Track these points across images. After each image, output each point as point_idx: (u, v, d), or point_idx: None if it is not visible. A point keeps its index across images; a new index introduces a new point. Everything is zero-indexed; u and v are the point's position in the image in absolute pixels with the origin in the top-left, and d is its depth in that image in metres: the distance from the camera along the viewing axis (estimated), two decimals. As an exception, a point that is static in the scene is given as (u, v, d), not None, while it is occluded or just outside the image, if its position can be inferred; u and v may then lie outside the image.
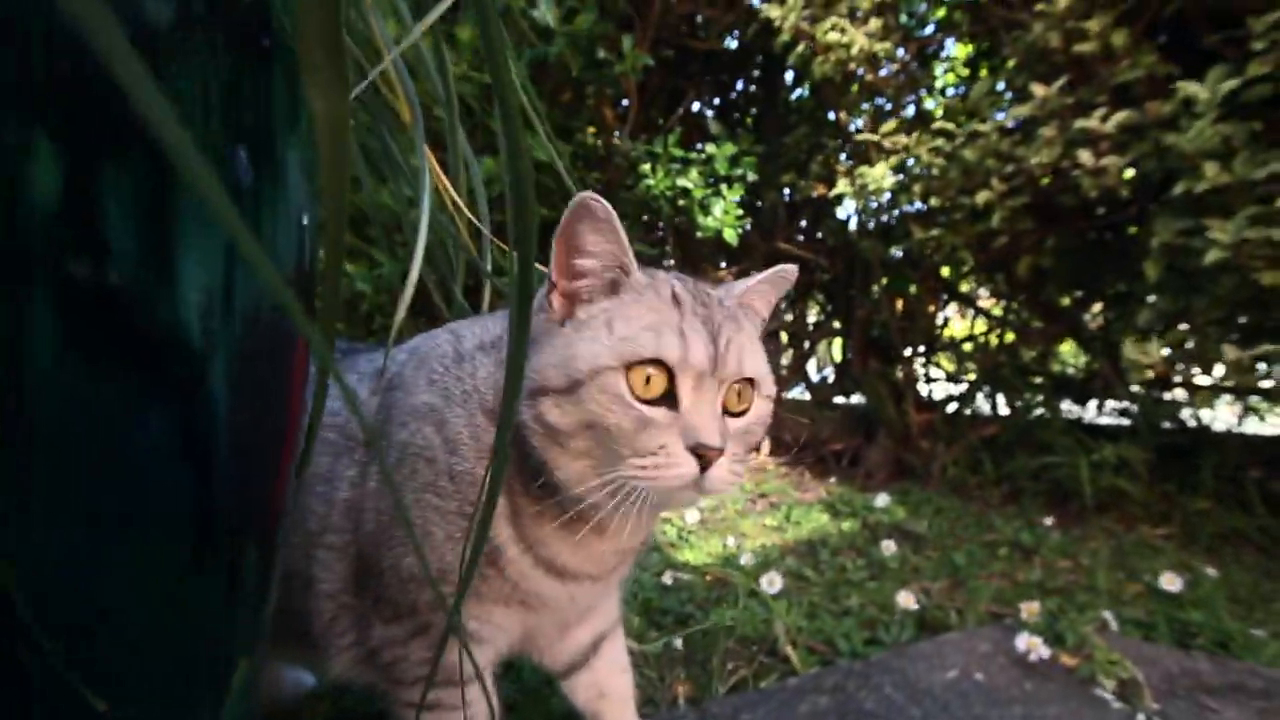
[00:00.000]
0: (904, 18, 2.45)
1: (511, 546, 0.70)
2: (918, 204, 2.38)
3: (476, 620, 0.73)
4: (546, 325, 0.66)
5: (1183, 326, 1.86)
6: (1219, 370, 1.91)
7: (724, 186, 2.26)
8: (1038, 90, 1.87)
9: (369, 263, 2.18)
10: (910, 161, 2.14)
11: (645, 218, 2.66)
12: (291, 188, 0.35)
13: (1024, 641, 1.17)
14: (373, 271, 2.13)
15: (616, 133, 2.42)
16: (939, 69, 2.72)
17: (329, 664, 0.75)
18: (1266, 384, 1.79)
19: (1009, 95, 2.33)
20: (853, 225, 2.83)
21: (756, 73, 3.01)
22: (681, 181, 2.20)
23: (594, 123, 2.49)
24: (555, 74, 2.36)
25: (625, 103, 2.53)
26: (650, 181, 2.24)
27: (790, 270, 0.74)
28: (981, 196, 1.97)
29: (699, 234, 2.25)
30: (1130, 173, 1.85)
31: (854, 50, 2.15)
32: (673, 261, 2.82)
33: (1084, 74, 1.89)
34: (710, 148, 2.28)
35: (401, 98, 0.81)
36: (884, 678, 1.12)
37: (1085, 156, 1.79)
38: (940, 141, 2.08)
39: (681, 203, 2.24)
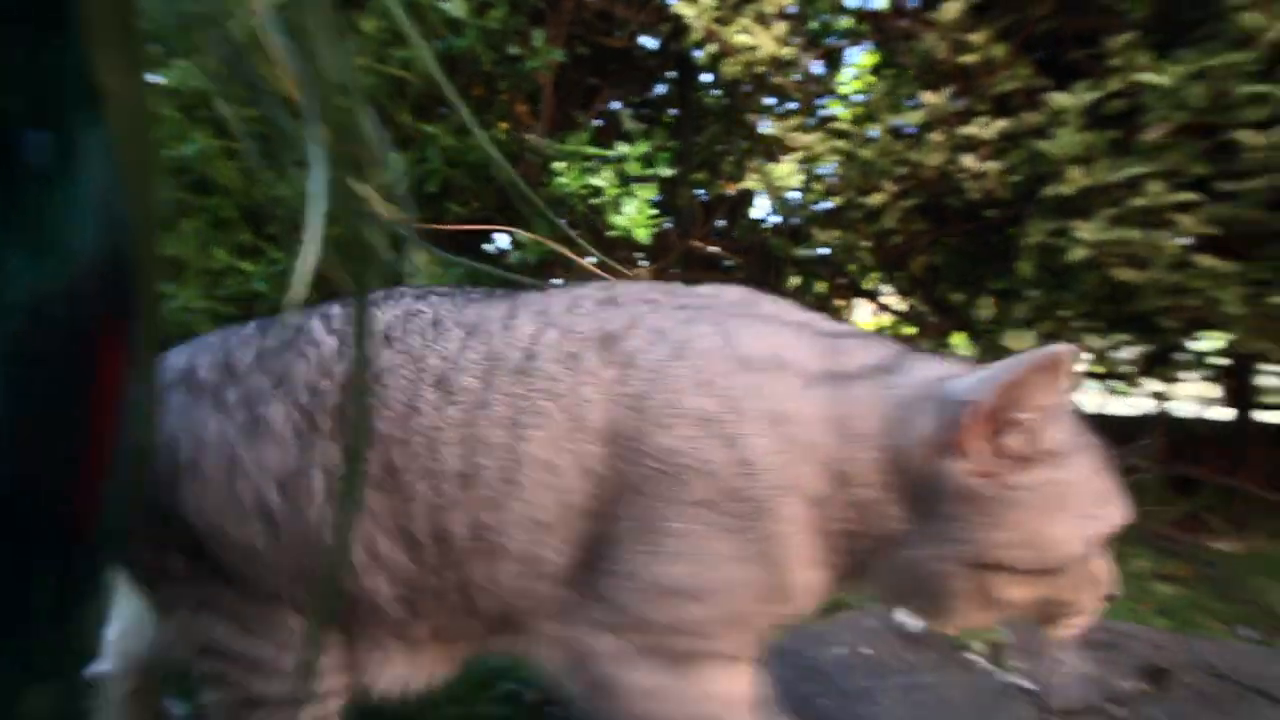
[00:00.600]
0: (812, 24, 2.54)
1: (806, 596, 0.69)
2: (826, 204, 2.48)
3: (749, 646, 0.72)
4: (974, 482, 0.59)
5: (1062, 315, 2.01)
6: (1086, 357, 2.09)
7: (635, 186, 2.28)
8: (927, 97, 1.98)
9: (267, 261, 2.08)
10: (813, 162, 2.23)
11: (566, 219, 2.65)
12: (90, 174, 0.34)
13: (905, 616, 1.25)
14: (270, 268, 2.04)
15: (530, 132, 2.41)
16: (846, 75, 2.83)
17: (527, 643, 0.70)
18: (1126, 369, 1.97)
19: (907, 103, 2.46)
20: (768, 223, 2.92)
21: (673, 73, 3.05)
22: (594, 180, 2.21)
23: (506, 118, 2.46)
24: (465, 68, 2.32)
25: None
26: (563, 180, 2.24)
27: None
28: (876, 198, 2.08)
29: (609, 233, 2.26)
30: (1010, 177, 1.99)
31: (760, 53, 2.22)
32: (593, 260, 2.81)
33: (969, 84, 2.02)
34: (623, 147, 2.30)
35: (288, 77, 0.77)
36: (780, 659, 1.17)
37: (969, 161, 1.91)
38: (841, 142, 2.17)
39: (594, 201, 2.25)
